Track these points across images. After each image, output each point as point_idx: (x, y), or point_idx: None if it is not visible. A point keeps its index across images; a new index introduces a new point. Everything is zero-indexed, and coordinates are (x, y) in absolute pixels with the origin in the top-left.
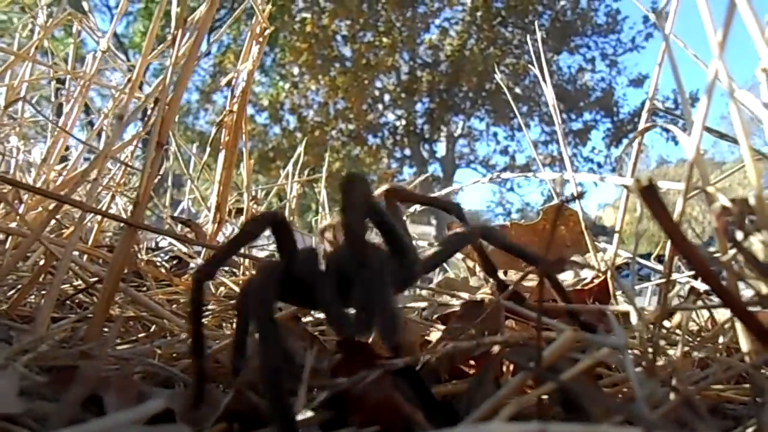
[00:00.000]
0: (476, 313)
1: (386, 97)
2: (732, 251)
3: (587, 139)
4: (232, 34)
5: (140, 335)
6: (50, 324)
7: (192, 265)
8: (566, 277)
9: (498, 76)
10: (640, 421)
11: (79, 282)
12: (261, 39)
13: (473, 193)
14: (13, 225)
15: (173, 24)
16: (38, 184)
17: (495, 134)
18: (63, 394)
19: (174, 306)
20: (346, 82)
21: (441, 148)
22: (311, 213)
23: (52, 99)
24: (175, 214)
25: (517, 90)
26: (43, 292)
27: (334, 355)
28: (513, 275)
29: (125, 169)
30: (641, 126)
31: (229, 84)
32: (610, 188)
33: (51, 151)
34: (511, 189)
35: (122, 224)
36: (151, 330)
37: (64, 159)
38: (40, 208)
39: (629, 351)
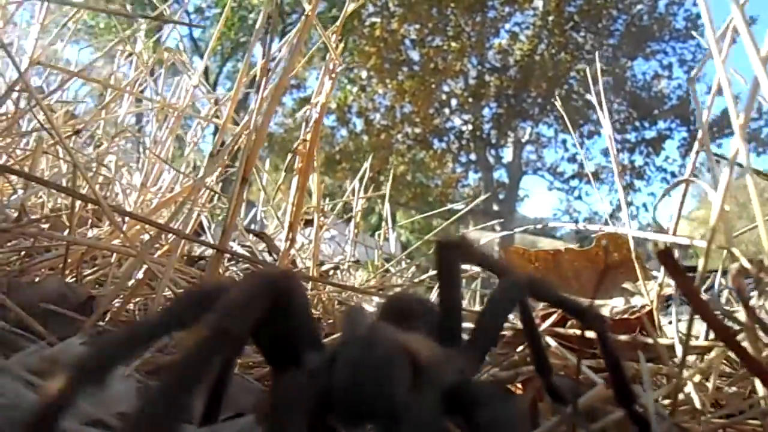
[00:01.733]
0: (520, 341)
1: (453, 102)
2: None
3: (661, 148)
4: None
5: None
6: None
7: None
8: (617, 304)
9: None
10: None
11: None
12: (333, 75)
13: (540, 200)
14: (116, 242)
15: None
16: (137, 206)
17: (564, 141)
18: None
19: None
20: (414, 86)
21: (507, 154)
22: (375, 215)
23: (151, 128)
24: (247, 223)
25: (588, 96)
26: (137, 300)
27: None
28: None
29: (210, 193)
30: (687, 172)
31: (304, 117)
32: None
33: (148, 177)
34: (579, 197)
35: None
36: None
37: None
38: (138, 226)
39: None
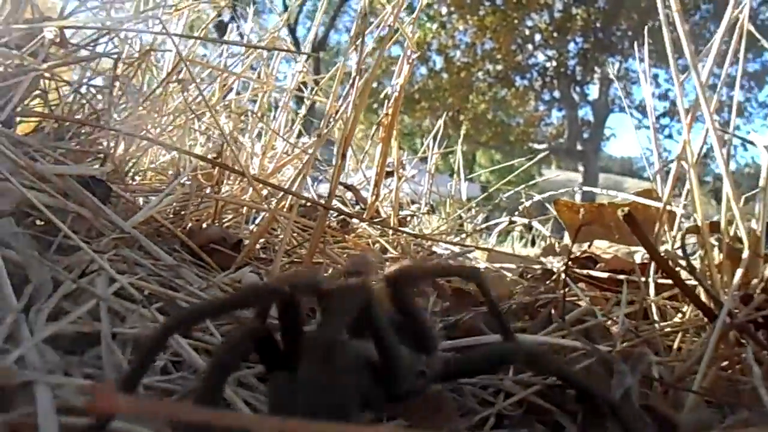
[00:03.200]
0: (547, 277)
1: (537, 37)
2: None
3: (765, 82)
4: None
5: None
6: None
7: (356, 225)
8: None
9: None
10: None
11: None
12: (410, 61)
13: (627, 139)
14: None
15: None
16: (259, 168)
17: (656, 76)
18: None
19: (345, 256)
20: (495, 22)
21: (593, 91)
22: (453, 155)
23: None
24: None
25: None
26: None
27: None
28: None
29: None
30: None
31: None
32: None
33: (267, 147)
34: (670, 136)
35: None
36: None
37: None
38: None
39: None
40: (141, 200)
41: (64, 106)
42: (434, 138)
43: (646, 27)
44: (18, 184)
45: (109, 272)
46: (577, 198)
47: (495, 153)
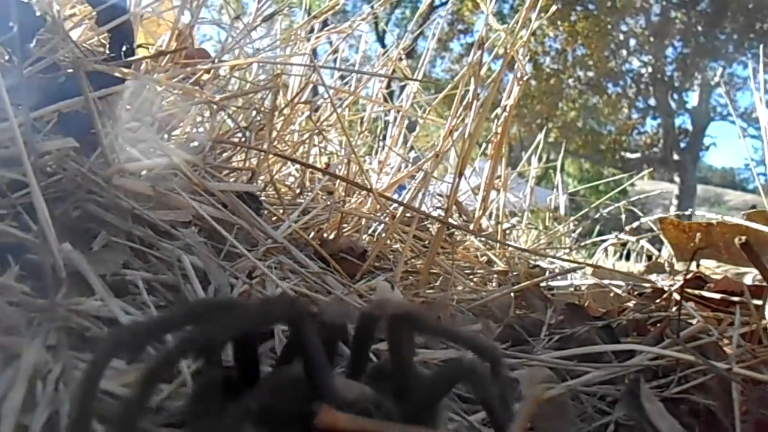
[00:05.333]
0: (657, 296)
1: (632, 42)
2: None
3: None
4: None
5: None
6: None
7: (458, 236)
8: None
9: None
10: None
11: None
12: (521, 83)
13: (728, 148)
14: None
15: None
16: (375, 183)
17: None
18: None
19: (455, 267)
20: (588, 27)
21: (693, 98)
22: (547, 165)
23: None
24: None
25: None
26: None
27: (562, 312)
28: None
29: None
30: None
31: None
32: None
33: (384, 163)
34: None
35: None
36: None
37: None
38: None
39: None
40: (280, 211)
41: (212, 128)
42: (534, 151)
43: (753, 30)
44: (189, 199)
45: (272, 278)
46: (672, 210)
47: (584, 162)
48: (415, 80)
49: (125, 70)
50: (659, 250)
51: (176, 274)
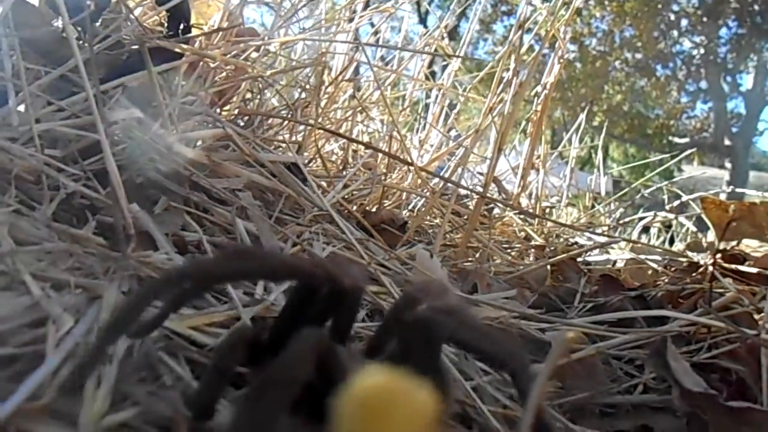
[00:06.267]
0: (692, 270)
1: (683, 22)
2: None
3: None
4: None
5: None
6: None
7: (496, 213)
8: None
9: None
10: None
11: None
12: (561, 60)
13: None
14: (405, 183)
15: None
16: (417, 159)
17: None
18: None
19: (493, 241)
20: (636, 7)
21: (747, 81)
22: (586, 147)
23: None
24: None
25: None
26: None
27: (595, 282)
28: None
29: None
30: None
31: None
32: None
33: (424, 141)
34: None
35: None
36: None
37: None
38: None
39: None
40: (324, 183)
41: (261, 103)
42: (576, 132)
43: None
44: (244, 170)
45: (319, 242)
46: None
47: (630, 147)
48: (457, 56)
49: (184, 47)
50: (704, 233)
51: (231, 236)
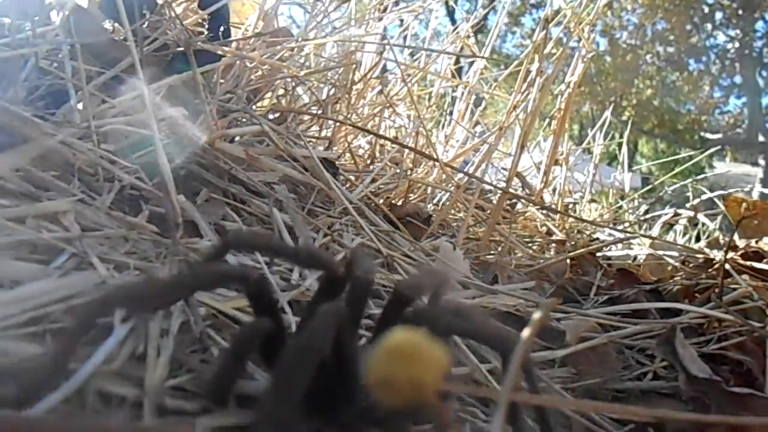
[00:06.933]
0: (708, 266)
1: (718, 15)
2: None
3: None
4: None
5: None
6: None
7: (519, 209)
8: None
9: None
10: None
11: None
12: (585, 60)
13: None
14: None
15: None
16: (442, 154)
17: None
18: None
19: (515, 236)
20: (669, 0)
21: None
22: (613, 142)
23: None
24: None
25: None
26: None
27: (612, 276)
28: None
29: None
30: None
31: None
32: None
33: (450, 136)
34: None
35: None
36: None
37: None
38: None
39: None
40: (352, 177)
41: (293, 100)
42: (600, 128)
43: None
44: (276, 163)
45: (348, 234)
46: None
47: (660, 142)
48: (482, 57)
49: (226, 48)
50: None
51: (268, 226)
